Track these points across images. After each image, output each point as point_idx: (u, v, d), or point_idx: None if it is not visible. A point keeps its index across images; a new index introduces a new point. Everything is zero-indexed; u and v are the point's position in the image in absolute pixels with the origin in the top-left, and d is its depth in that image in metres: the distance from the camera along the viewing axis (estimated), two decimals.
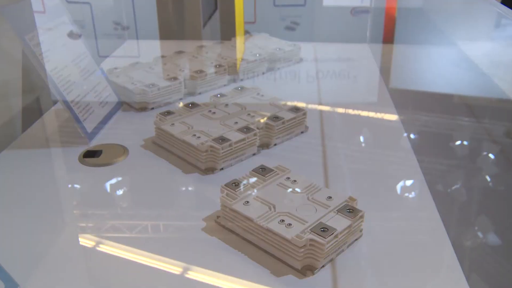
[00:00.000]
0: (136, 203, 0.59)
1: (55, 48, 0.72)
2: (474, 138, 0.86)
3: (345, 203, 0.51)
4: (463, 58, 1.15)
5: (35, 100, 0.85)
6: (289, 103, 0.75)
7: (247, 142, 0.66)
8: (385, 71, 1.09)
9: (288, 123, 0.71)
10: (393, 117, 0.82)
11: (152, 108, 0.81)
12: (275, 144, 0.70)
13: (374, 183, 0.62)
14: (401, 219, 0.55)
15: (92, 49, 0.81)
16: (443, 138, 0.84)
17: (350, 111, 0.84)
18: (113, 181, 0.63)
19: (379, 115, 0.83)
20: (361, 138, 0.75)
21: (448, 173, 0.74)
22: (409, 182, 0.63)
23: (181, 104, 0.84)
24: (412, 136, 0.81)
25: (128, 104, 0.83)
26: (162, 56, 0.95)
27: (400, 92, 1.01)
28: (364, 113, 0.84)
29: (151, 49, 1.14)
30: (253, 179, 0.55)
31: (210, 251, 0.51)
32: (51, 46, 0.71)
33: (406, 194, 0.60)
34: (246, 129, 0.66)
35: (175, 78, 0.84)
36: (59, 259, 0.50)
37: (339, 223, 0.48)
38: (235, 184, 0.54)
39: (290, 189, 0.54)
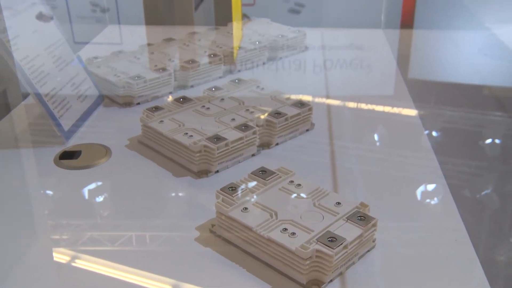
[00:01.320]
0: (119, 212, 0.60)
1: (25, 34, 0.73)
2: (507, 135, 0.87)
3: (356, 209, 0.52)
4: (494, 44, 1.15)
5: (2, 94, 0.86)
6: (293, 97, 0.76)
7: (246, 141, 0.67)
8: (402, 60, 1.10)
9: (292, 119, 0.72)
10: (411, 112, 0.83)
11: (138, 103, 0.82)
12: (277, 144, 0.72)
13: (389, 188, 0.63)
14: (420, 229, 0.56)
15: (66, 34, 0.82)
16: (470, 136, 0.85)
17: (362, 106, 0.86)
18: (93, 186, 0.64)
19: (395, 110, 0.84)
20: (375, 137, 0.77)
21: (476, 176, 0.74)
22: (429, 187, 0.64)
23: (170, 98, 0.85)
24: (433, 133, 0.82)
25: (110, 99, 0.84)
26: (149, 44, 0.96)
27: (419, 84, 1.02)
28: (378, 108, 0.85)
29: (135, 36, 1.15)
30: (252, 183, 0.56)
31: (204, 265, 0.52)
32: (20, 32, 0.72)
33: (426, 201, 0.61)
34: (245, 127, 0.67)
35: (163, 69, 0.85)
36: (29, 278, 0.50)
37: (349, 232, 0.50)
38: (232, 189, 0.55)
39: (294, 194, 0.55)
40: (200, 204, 0.60)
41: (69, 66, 0.79)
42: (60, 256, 0.53)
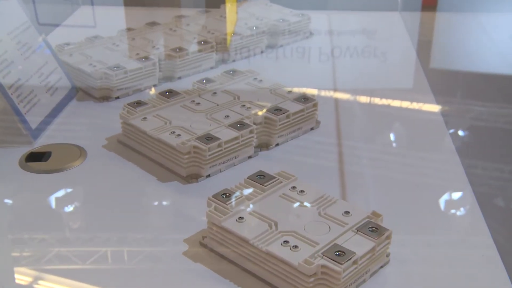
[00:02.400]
0: (92, 223, 0.60)
1: None
2: None
3: (367, 220, 0.53)
4: None
5: None
6: (296, 91, 0.77)
7: (241, 141, 0.68)
8: (422, 48, 1.10)
9: (294, 116, 0.73)
10: (433, 108, 0.84)
11: (117, 97, 0.84)
12: (277, 144, 0.73)
13: (406, 196, 0.64)
14: (442, 243, 0.57)
15: (31, 16, 0.82)
16: (502, 136, 0.84)
17: (376, 101, 0.86)
18: (64, 192, 0.65)
19: (414, 106, 0.85)
20: (390, 137, 0.78)
21: (508, 183, 0.74)
22: (452, 196, 0.64)
23: (152, 91, 0.87)
24: (458, 133, 0.82)
25: (85, 92, 0.85)
26: (129, 29, 0.97)
27: (442, 75, 1.03)
28: (394, 103, 0.86)
29: (113, 19, 1.16)
30: (248, 189, 0.58)
31: (193, 283, 0.52)
32: None
33: (449, 211, 0.62)
34: (240, 125, 0.69)
35: (146, 58, 0.86)
36: None
37: (360, 245, 0.51)
38: (225, 196, 0.56)
39: (296, 202, 0.56)
40: (189, 213, 0.61)
41: (36, 53, 0.80)
42: (21, 277, 0.53)
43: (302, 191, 0.57)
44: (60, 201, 0.63)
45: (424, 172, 0.68)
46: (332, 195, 0.57)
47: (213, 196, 0.56)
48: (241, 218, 0.54)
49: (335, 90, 0.89)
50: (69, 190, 0.65)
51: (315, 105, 0.75)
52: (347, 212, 0.54)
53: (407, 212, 0.61)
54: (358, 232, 0.52)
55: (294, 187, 0.58)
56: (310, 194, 0.57)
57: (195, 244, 0.56)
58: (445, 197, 0.64)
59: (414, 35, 1.14)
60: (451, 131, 0.79)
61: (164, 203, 0.64)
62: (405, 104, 0.85)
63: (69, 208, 0.62)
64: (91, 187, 0.66)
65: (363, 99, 0.87)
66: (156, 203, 0.64)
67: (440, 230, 0.59)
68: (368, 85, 0.91)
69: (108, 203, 0.63)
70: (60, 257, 0.55)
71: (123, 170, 0.68)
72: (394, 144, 0.76)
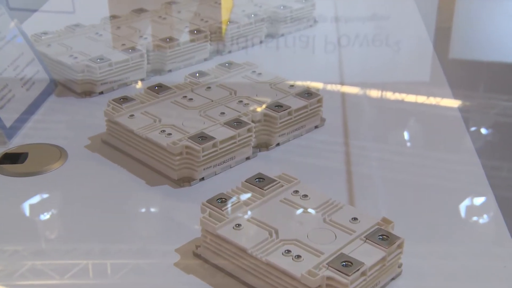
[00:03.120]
0: (72, 232, 0.60)
1: None
2: None
3: (377, 227, 0.54)
4: None
5: None
6: (298, 84, 0.78)
7: (238, 141, 0.69)
8: (440, 35, 1.11)
9: (297, 113, 0.74)
10: (450, 103, 0.84)
11: (101, 92, 0.84)
12: (277, 144, 0.74)
13: (419, 201, 0.65)
14: (459, 254, 0.57)
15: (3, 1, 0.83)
16: None
17: (387, 95, 0.87)
18: (41, 198, 0.65)
19: (430, 101, 0.85)
20: (402, 135, 0.78)
21: None
22: (472, 201, 0.65)
23: (139, 84, 0.87)
24: (480, 131, 0.83)
25: (65, 86, 0.86)
26: (114, 17, 0.98)
27: (462, 66, 1.03)
28: (408, 98, 0.86)
29: (96, 5, 1.16)
30: (246, 194, 0.58)
31: None
32: None
33: (468, 219, 0.63)
34: (237, 123, 0.69)
35: (133, 49, 0.87)
36: None
37: (369, 255, 0.51)
38: (221, 201, 0.57)
39: (299, 208, 0.57)
40: (180, 220, 0.62)
41: (11, 43, 0.81)
42: None
43: (305, 196, 0.58)
44: (37, 208, 0.64)
45: (441, 175, 0.69)
46: (338, 200, 0.57)
47: (207, 201, 0.57)
48: (239, 225, 0.54)
49: (342, 83, 0.89)
50: (47, 195, 0.66)
51: (319, 100, 0.76)
52: (355, 219, 0.55)
53: (421, 218, 0.62)
54: (367, 240, 0.53)
55: (296, 191, 0.59)
56: (314, 199, 0.58)
57: (188, 255, 0.57)
58: (464, 202, 0.64)
59: (430, 21, 1.15)
60: (472, 129, 0.79)
61: (153, 209, 0.65)
62: (420, 99, 0.86)
63: (46, 216, 0.63)
64: (71, 192, 0.66)
65: (373, 93, 0.88)
66: (144, 210, 0.65)
67: (458, 239, 0.60)
68: (379, 78, 0.92)
69: (90, 210, 0.63)
70: (35, 271, 0.55)
71: (108, 173, 0.69)
72: (407, 144, 0.76)
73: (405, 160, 0.72)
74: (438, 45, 1.04)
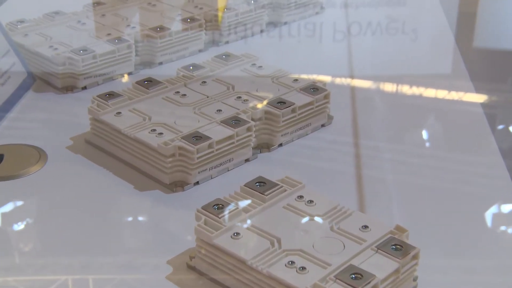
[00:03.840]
0: (50, 244, 0.60)
1: None
2: None
3: (390, 236, 0.54)
4: None
5: None
6: (303, 78, 0.79)
7: (237, 141, 0.69)
8: (462, 22, 1.10)
9: (302, 111, 0.74)
10: (473, 98, 0.85)
11: (84, 88, 0.85)
12: (280, 145, 0.74)
13: (437, 207, 0.65)
14: (482, 268, 0.58)
15: None
16: None
17: (403, 90, 0.87)
18: (16, 205, 0.66)
19: (451, 96, 0.86)
20: (419, 135, 0.79)
21: None
22: (497, 209, 0.65)
23: (126, 78, 0.87)
24: (507, 130, 0.82)
25: (44, 81, 0.86)
26: (98, 3, 0.98)
27: (486, 56, 1.03)
28: (427, 93, 0.87)
29: None
30: (246, 200, 0.59)
31: None
32: None
33: (493, 229, 0.63)
34: (235, 121, 0.70)
35: (120, 39, 0.87)
36: None
37: (380, 266, 0.52)
38: (218, 207, 0.57)
39: (304, 215, 0.57)
40: (173, 229, 0.62)
41: None
42: None
43: (310, 201, 0.59)
44: (11, 216, 0.64)
45: (462, 179, 0.69)
46: (347, 206, 0.58)
47: (202, 208, 0.57)
48: (237, 234, 0.55)
49: (352, 77, 0.90)
50: (23, 202, 0.66)
51: (326, 96, 0.76)
52: (365, 227, 0.55)
53: (440, 227, 0.62)
54: (379, 250, 0.53)
55: (301, 197, 0.59)
56: (321, 205, 0.58)
57: (181, 267, 0.57)
58: (489, 210, 0.65)
59: (452, 6, 1.14)
60: (497, 127, 0.80)
61: (142, 217, 0.65)
62: (439, 93, 0.86)
63: (22, 225, 0.63)
64: (51, 198, 0.66)
65: (387, 87, 0.88)
66: (132, 218, 0.65)
67: (481, 251, 0.60)
68: (393, 70, 0.92)
69: (71, 218, 0.63)
70: None
71: (92, 177, 0.69)
72: (424, 144, 0.77)
73: (422, 162, 0.72)
74: (460, 33, 1.04)
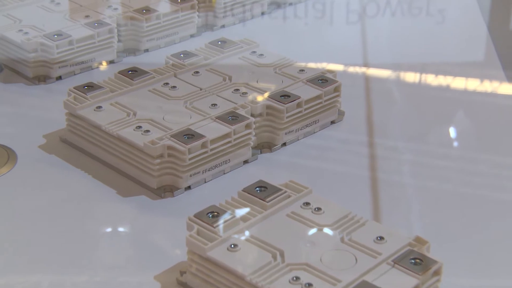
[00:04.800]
0: (17, 259, 0.60)
1: None
2: None
3: (409, 248, 0.55)
4: None
5: None
6: (311, 67, 0.79)
7: (234, 140, 0.70)
8: (496, 3, 1.11)
9: (308, 105, 0.75)
10: (508, 89, 0.86)
11: (59, 78, 0.86)
12: (284, 144, 0.75)
13: (464, 217, 0.65)
14: None
15: None
16: None
17: (427, 81, 0.88)
18: None
19: (482, 87, 0.86)
20: (446, 132, 0.79)
21: None
22: None
23: (106, 66, 0.88)
24: None
25: (12, 70, 0.87)
26: None
27: None
28: (454, 84, 0.87)
29: None
30: (245, 207, 0.59)
31: None
32: None
33: None
34: (233, 117, 0.71)
35: (100, 22, 0.88)
36: None
37: (398, 283, 0.52)
38: (212, 215, 0.58)
39: (311, 224, 0.58)
40: (161, 240, 0.63)
41: None
42: None
43: (318, 209, 0.59)
44: None
45: (495, 184, 0.70)
46: (360, 215, 0.59)
47: (195, 216, 0.58)
48: (234, 245, 0.55)
49: (366, 66, 0.90)
50: None
51: (337, 88, 0.77)
52: (381, 238, 0.56)
53: (466, 240, 0.63)
54: (396, 265, 0.54)
55: (307, 203, 0.60)
56: (330, 213, 0.59)
57: (170, 284, 0.58)
58: None
59: None
60: None
61: (125, 227, 0.66)
62: (470, 85, 0.87)
63: None
64: (19, 205, 0.67)
65: (408, 78, 0.89)
66: (112, 228, 0.65)
67: None
68: (416, 58, 0.93)
69: (42, 228, 0.64)
70: None
71: (67, 181, 0.70)
72: (451, 144, 0.78)
73: (448, 165, 0.73)
74: (492, 15, 1.04)
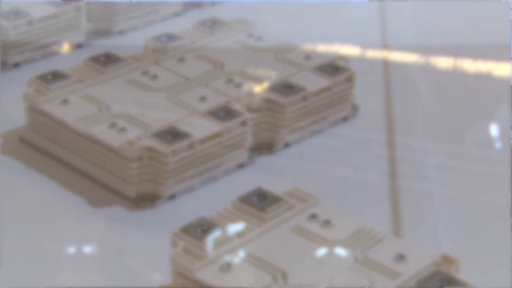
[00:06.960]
0: None
1: None
2: None
3: (435, 268, 0.56)
4: None
5: None
6: (319, 52, 0.81)
7: (227, 139, 0.72)
8: None
9: (316, 98, 0.77)
10: None
11: (17, 64, 0.88)
12: (286, 144, 0.77)
13: (500, 231, 0.66)
14: None
15: None
16: None
17: (458, 67, 0.89)
18: None
19: None
20: (482, 131, 0.81)
21: None
22: None
23: (66, 48, 0.91)
24: None
25: None
26: None
27: None
28: (494, 71, 0.88)
29: None
30: (239, 220, 0.61)
31: None
32: None
33: None
34: (225, 112, 0.72)
35: None
36: None
37: None
38: (201, 229, 0.59)
39: (319, 241, 0.60)
40: (139, 259, 0.64)
41: None
42: None
43: (327, 222, 0.61)
44: None
45: None
46: (377, 229, 0.60)
47: (180, 230, 0.59)
48: (228, 265, 0.57)
49: (385, 48, 0.92)
50: None
51: (350, 78, 0.79)
52: (402, 256, 0.58)
53: (501, 258, 0.64)
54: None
55: (314, 215, 0.62)
56: (341, 227, 0.60)
57: None
58: None
59: None
60: None
61: (96, 244, 0.67)
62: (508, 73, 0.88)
63: None
64: None
65: (435, 64, 0.91)
66: (81, 245, 0.66)
67: None
68: (447, 39, 0.94)
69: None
70: None
71: (28, 188, 0.71)
72: (487, 145, 0.79)
73: (483, 169, 0.74)
74: None
